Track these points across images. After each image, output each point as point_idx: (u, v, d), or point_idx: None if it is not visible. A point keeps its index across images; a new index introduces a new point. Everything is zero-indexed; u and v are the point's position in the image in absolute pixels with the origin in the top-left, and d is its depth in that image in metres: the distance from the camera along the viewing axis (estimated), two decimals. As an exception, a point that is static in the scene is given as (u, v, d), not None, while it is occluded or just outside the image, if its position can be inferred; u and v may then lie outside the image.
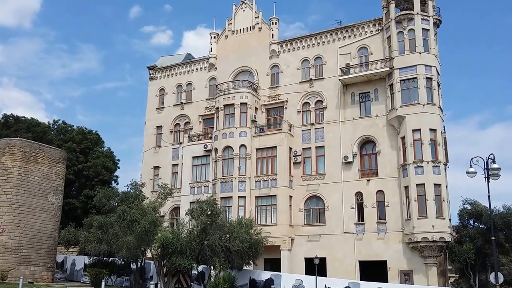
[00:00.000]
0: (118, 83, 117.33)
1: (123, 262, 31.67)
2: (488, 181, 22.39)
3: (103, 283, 23.59)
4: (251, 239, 29.77)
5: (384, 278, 32.63)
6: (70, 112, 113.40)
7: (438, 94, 35.41)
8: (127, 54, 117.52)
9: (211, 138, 40.85)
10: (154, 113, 46.68)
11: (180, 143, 43.55)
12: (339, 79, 38.01)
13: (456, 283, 54.09)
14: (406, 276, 32.90)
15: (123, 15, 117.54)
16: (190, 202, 37.74)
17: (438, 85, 35.65)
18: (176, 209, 41.32)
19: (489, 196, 22.85)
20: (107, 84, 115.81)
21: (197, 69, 45.75)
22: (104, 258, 32.49)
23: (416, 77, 34.92)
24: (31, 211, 32.32)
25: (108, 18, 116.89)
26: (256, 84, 41.42)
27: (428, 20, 36.35)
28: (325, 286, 29.64)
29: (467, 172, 22.66)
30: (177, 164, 43.42)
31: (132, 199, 30.72)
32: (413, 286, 29.88)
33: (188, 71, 46.16)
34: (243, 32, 43.97)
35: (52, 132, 51.92)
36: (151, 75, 48.01)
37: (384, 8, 37.85)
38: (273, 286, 29.93)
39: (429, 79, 35.01)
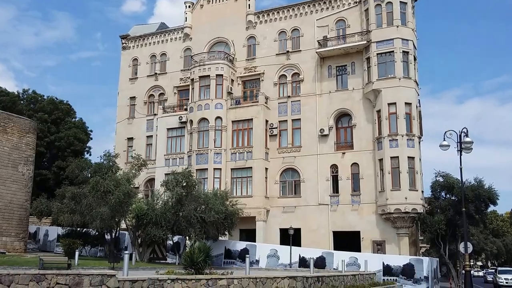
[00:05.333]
0: (92, 52, 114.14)
1: (97, 233, 31.37)
2: (461, 154, 22.85)
3: (76, 253, 23.27)
4: (226, 210, 29.90)
5: (357, 248, 33.25)
6: (40, 81, 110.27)
7: (414, 68, 35.58)
8: (101, 22, 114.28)
9: (186, 109, 40.33)
10: (127, 83, 45.70)
11: (155, 114, 42.89)
12: (316, 52, 37.78)
13: (427, 252, 55.59)
14: (379, 246, 33.63)
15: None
16: (165, 174, 37.49)
17: (415, 59, 35.78)
18: (150, 181, 41.02)
19: (461, 169, 23.36)
20: (82, 54, 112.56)
21: (171, 39, 44.79)
22: (78, 229, 32.20)
23: (392, 51, 34.96)
24: (1, 181, 31.51)
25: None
26: (232, 56, 40.84)
27: (406, -7, 36.25)
28: (300, 256, 30.02)
29: (440, 145, 23.09)
30: (152, 136, 42.85)
31: (105, 170, 30.30)
32: (385, 255, 30.50)
33: (162, 41, 45.16)
34: (219, 1, 43.06)
35: (22, 102, 50.48)
36: (124, 45, 46.78)
37: (362, -20, 37.59)
38: (248, 256, 29.87)
39: (405, 53, 35.11)
